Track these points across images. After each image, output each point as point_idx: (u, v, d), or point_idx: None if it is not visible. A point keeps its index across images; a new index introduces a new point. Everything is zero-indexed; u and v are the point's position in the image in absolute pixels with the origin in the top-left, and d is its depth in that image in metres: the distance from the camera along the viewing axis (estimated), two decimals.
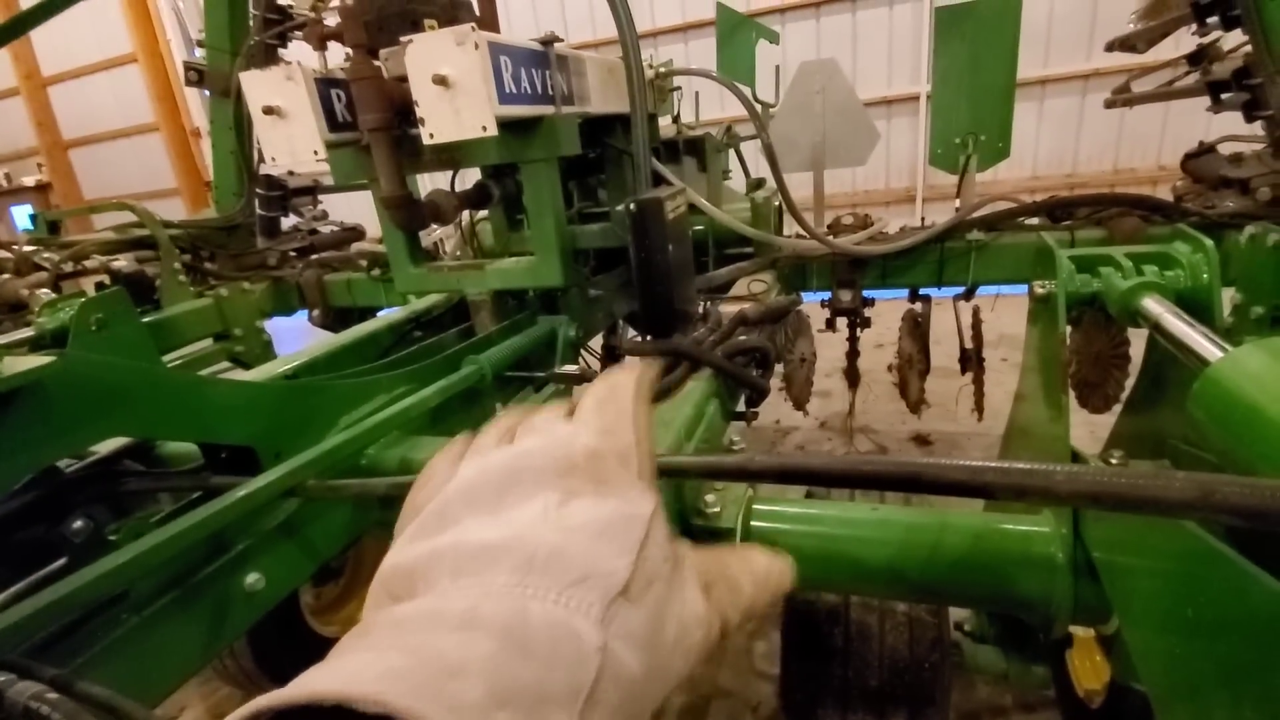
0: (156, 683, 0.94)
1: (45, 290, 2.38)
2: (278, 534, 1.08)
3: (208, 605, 0.99)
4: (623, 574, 0.32)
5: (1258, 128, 2.14)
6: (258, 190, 3.03)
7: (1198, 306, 1.13)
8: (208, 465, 1.16)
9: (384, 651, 0.26)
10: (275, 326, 2.96)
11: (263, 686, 2.04)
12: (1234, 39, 2.11)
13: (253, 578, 1.04)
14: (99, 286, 2.52)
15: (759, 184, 2.80)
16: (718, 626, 0.39)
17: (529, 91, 1.48)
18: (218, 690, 2.41)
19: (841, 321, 2.69)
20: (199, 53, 2.89)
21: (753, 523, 1.11)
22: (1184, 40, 2.36)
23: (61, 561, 0.99)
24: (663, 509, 0.38)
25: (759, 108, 2.81)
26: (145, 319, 2.45)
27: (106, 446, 1.14)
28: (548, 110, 1.56)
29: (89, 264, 2.55)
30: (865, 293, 2.50)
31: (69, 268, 2.49)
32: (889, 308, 2.86)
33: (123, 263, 2.59)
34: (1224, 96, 2.19)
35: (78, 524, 1.02)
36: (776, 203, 2.49)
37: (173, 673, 0.97)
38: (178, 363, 2.49)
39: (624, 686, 0.29)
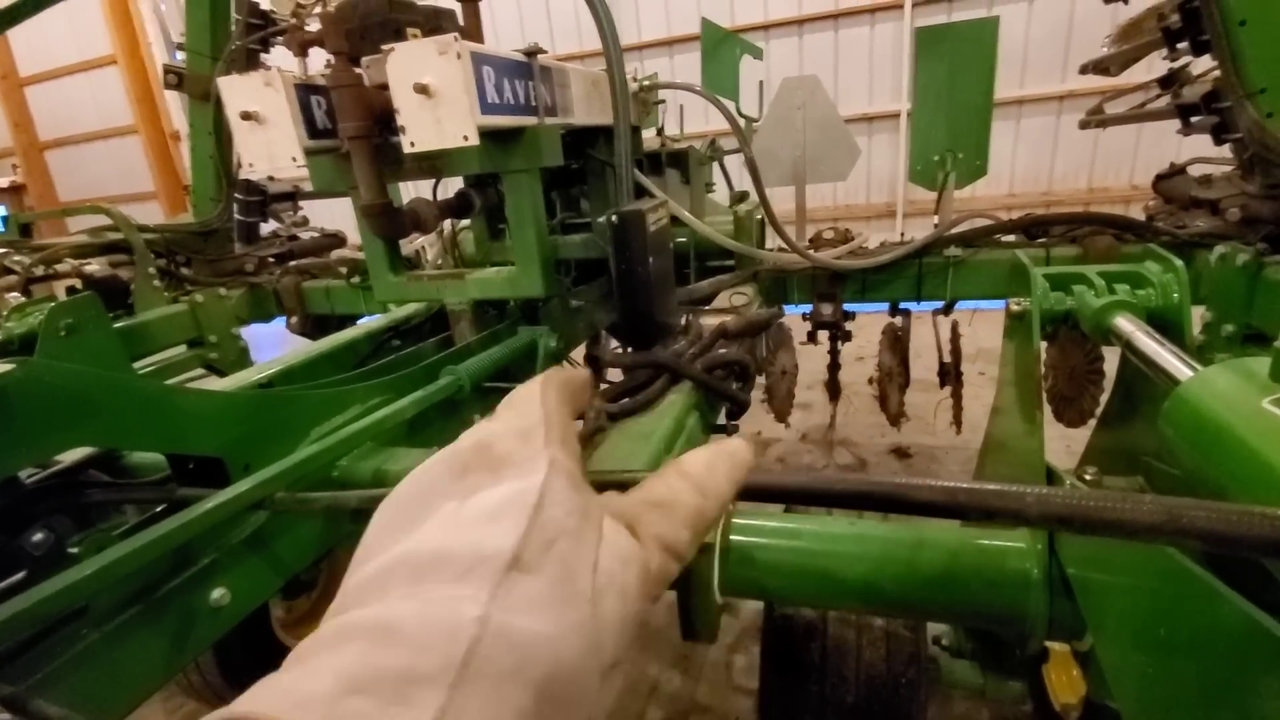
0: (117, 700, 0.92)
1: (15, 294, 2.33)
2: (245, 547, 1.06)
3: (171, 621, 0.96)
4: (510, 549, 0.32)
5: (1227, 150, 2.20)
6: (236, 195, 3.00)
7: (1168, 325, 1.15)
8: (175, 476, 1.13)
9: (278, 676, 0.29)
10: (253, 333, 2.92)
11: (229, 701, 1.99)
12: (1204, 64, 2.17)
13: (218, 592, 1.01)
14: (70, 291, 2.47)
15: (742, 197, 2.81)
16: (658, 556, 0.38)
17: (511, 102, 1.48)
18: (183, 705, 2.34)
19: (823, 334, 2.71)
20: (180, 56, 2.85)
21: (731, 536, 1.10)
22: (1156, 64, 2.42)
23: (20, 574, 0.96)
24: (565, 467, 0.38)
25: (742, 122, 2.83)
26: (118, 324, 2.40)
27: (70, 456, 1.11)
28: (530, 121, 1.56)
29: (61, 268, 2.50)
30: (846, 306, 2.52)
31: (40, 271, 2.43)
32: (869, 321, 2.88)
33: (95, 267, 2.54)
34: (1194, 119, 2.24)
35: (38, 536, 0.99)
36: (759, 216, 2.51)
37: (134, 689, 0.94)
38: (150, 369, 2.45)
39: (521, 648, 0.29)
